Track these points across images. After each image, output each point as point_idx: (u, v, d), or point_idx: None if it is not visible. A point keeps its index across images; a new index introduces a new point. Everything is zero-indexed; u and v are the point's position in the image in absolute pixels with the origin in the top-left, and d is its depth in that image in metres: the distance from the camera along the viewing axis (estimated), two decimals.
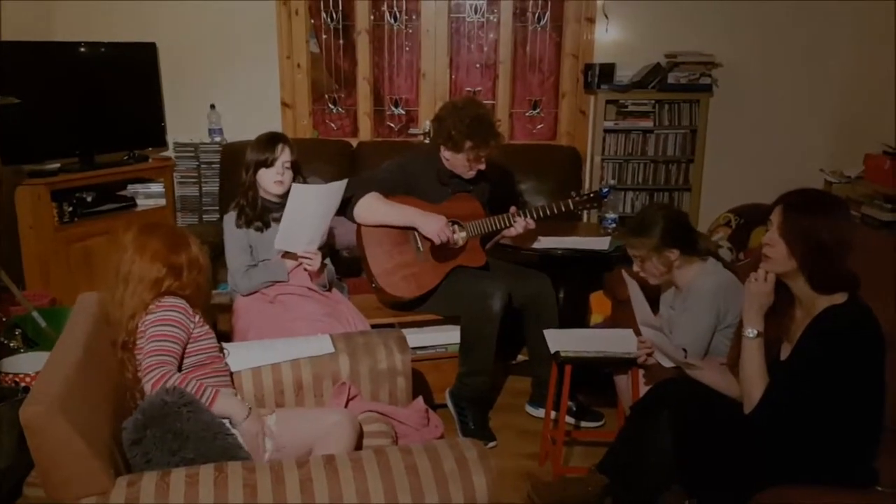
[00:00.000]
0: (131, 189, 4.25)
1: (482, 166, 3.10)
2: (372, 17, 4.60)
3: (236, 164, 4.08)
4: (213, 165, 4.43)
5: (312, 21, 4.61)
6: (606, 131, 4.35)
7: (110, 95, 4.16)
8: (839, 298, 1.98)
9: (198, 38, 4.43)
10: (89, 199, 3.94)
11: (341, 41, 4.68)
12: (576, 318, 3.40)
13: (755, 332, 2.08)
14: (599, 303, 3.52)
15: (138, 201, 4.25)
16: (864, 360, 1.96)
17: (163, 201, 4.34)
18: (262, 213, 2.86)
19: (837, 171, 3.99)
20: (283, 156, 2.81)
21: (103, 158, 4.13)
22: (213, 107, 4.46)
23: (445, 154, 3.10)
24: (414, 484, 1.65)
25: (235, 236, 2.86)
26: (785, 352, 2.10)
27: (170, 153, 4.50)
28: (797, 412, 1.98)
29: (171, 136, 4.48)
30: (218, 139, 4.46)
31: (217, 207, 4.43)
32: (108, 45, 4.14)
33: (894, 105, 3.88)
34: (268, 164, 2.81)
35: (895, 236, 3.27)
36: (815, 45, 4.40)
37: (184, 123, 4.48)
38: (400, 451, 1.73)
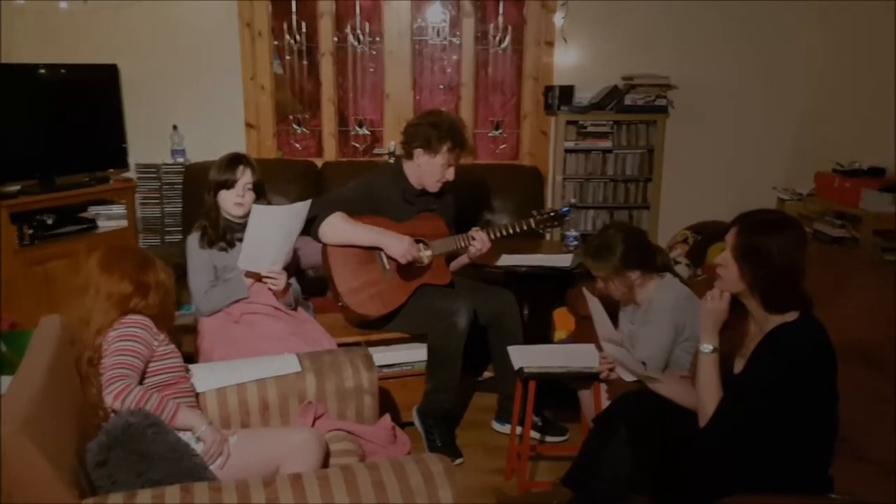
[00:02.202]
0: (92, 211, 4.21)
1: (451, 176, 3.13)
2: (335, 40, 4.64)
3: (199, 185, 4.06)
4: (176, 186, 4.40)
5: (276, 43, 4.64)
6: (567, 151, 4.44)
7: (71, 117, 4.13)
8: (791, 316, 2.03)
9: (160, 60, 4.43)
10: (50, 221, 3.90)
11: (305, 63, 4.71)
12: (540, 334, 3.45)
13: (710, 347, 2.13)
14: (563, 319, 3.58)
15: (99, 223, 4.21)
16: (814, 377, 2.00)
17: (124, 223, 4.31)
18: (225, 234, 2.86)
19: (789, 188, 4.12)
20: (244, 177, 2.82)
21: (64, 180, 4.10)
22: (175, 128, 4.44)
23: (419, 160, 3.09)
24: (381, 499, 1.66)
25: (198, 257, 2.86)
26: (738, 365, 2.15)
27: (131, 174, 4.46)
28: (747, 426, 2.02)
29: (133, 158, 4.45)
30: (181, 160, 4.44)
31: (180, 228, 4.41)
32: (68, 67, 4.12)
33: (843, 125, 4.03)
34: (228, 185, 2.82)
35: (845, 251, 3.38)
36: (767, 67, 4.55)
37: (146, 144, 4.45)
38: (367, 468, 1.74)
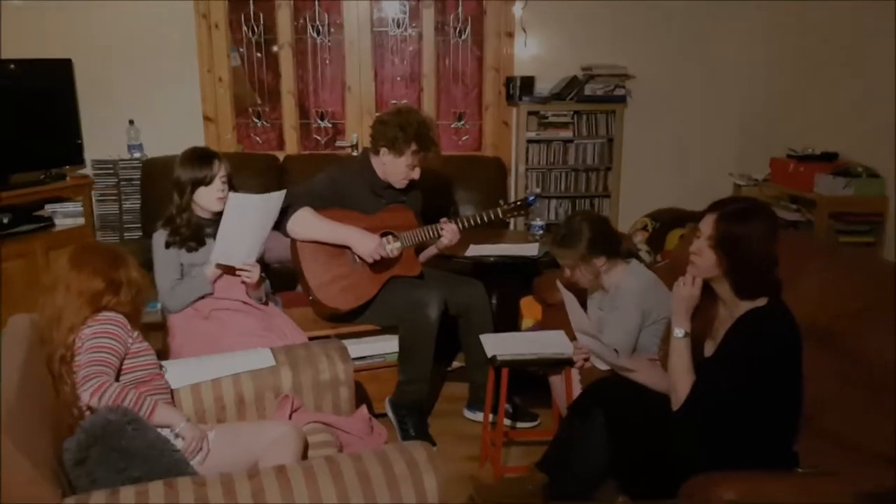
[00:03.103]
0: (49, 209, 4.13)
1: (416, 176, 3.15)
2: (294, 31, 4.60)
3: (158, 180, 4.04)
4: (134, 182, 4.35)
5: (233, 34, 4.58)
6: (529, 142, 4.48)
7: (24, 114, 4.04)
8: (761, 302, 2.09)
9: (115, 54, 4.36)
10: (5, 220, 3.81)
11: (263, 55, 4.66)
12: (508, 322, 3.49)
13: (683, 332, 2.17)
14: (530, 307, 3.63)
15: (56, 221, 4.14)
16: (784, 359, 2.08)
17: (81, 220, 4.24)
18: (198, 232, 2.82)
19: (745, 174, 4.23)
20: (221, 171, 2.78)
21: (18, 178, 4.02)
22: (131, 122, 4.37)
23: (385, 159, 3.11)
24: (366, 489, 1.67)
25: (165, 255, 2.80)
26: (709, 349, 2.21)
27: (88, 171, 4.39)
28: (721, 407, 2.09)
29: (89, 154, 4.37)
30: (138, 155, 4.38)
31: (139, 225, 4.35)
32: (19, 63, 4.03)
33: (795, 112, 4.15)
34: (207, 181, 2.75)
35: (801, 235, 3.48)
36: (720, 56, 4.64)
37: (102, 140, 4.38)
38: (350, 458, 1.75)
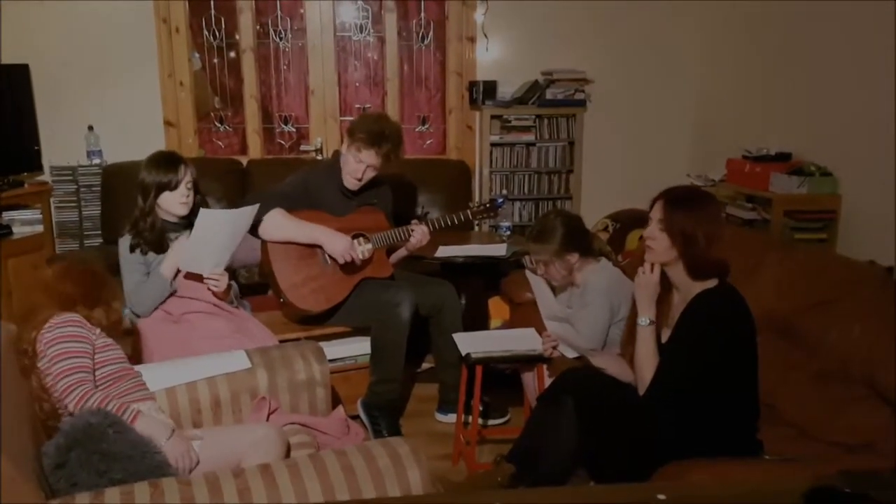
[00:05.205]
0: (6, 216, 4.05)
1: (359, 176, 3.10)
2: (256, 35, 4.59)
3: (118, 187, 3.99)
4: (94, 189, 4.28)
5: (194, 39, 4.55)
6: (493, 145, 4.54)
7: None
8: (711, 283, 2.20)
9: (73, 59, 4.30)
10: None
11: (225, 59, 4.64)
12: (477, 323, 3.53)
13: (648, 319, 2.26)
14: (497, 308, 3.68)
15: (14, 229, 4.06)
16: (737, 335, 2.18)
17: (40, 228, 4.18)
18: (163, 235, 2.80)
19: (702, 175, 4.34)
20: (187, 177, 2.77)
21: None
22: (91, 128, 4.31)
23: (342, 148, 3.14)
24: (352, 484, 1.69)
25: (130, 260, 2.79)
26: (665, 335, 2.29)
27: (46, 177, 4.31)
28: (683, 388, 2.17)
29: (48, 160, 4.30)
30: (97, 161, 4.32)
31: (99, 232, 4.28)
32: None
33: (750, 113, 4.28)
34: (172, 186, 2.74)
35: (757, 233, 3.60)
36: (676, 60, 4.77)
37: (60, 146, 4.31)
38: (334, 454, 1.77)
